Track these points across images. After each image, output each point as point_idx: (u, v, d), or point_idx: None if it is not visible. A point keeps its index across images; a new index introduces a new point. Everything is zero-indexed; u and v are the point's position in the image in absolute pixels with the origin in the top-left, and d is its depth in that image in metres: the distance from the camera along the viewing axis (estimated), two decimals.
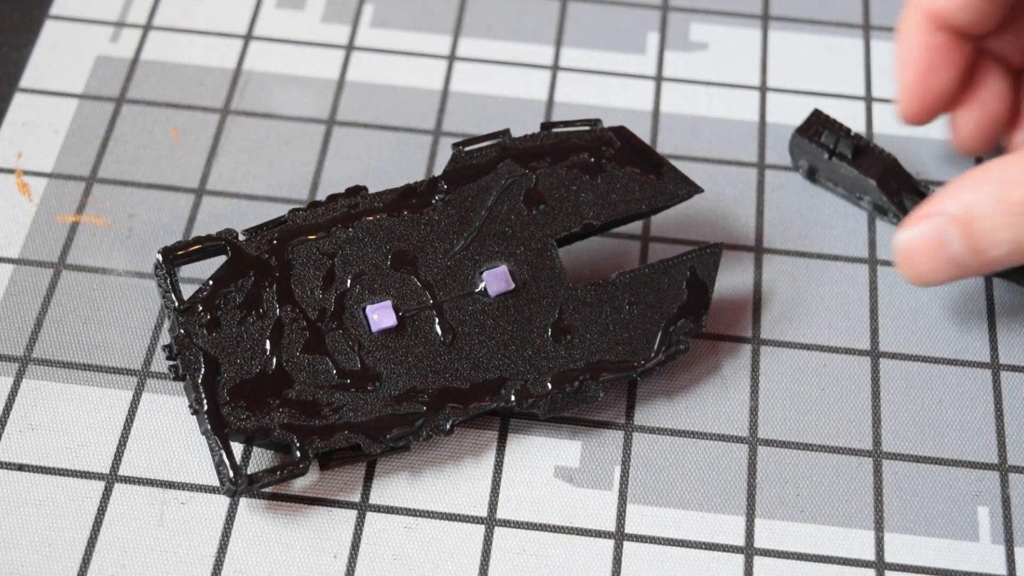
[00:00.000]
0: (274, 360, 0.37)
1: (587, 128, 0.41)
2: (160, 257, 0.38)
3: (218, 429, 0.36)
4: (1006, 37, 0.42)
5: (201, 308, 0.37)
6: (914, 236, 0.37)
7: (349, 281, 0.38)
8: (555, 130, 0.41)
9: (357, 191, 0.39)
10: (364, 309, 0.38)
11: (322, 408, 0.37)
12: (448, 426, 0.37)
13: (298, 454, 0.36)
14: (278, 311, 0.38)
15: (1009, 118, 0.43)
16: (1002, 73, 0.42)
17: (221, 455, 0.36)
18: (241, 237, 0.39)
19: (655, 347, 0.39)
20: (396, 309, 0.38)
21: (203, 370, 0.36)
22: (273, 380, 0.37)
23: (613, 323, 0.39)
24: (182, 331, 0.37)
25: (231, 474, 0.36)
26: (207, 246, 0.38)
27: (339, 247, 0.39)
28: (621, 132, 0.41)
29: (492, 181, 0.40)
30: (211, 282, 0.38)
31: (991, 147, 0.43)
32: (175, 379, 0.37)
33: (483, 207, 0.40)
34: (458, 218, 0.39)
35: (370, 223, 0.39)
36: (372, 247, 0.39)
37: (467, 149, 0.40)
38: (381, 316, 0.38)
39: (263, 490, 0.38)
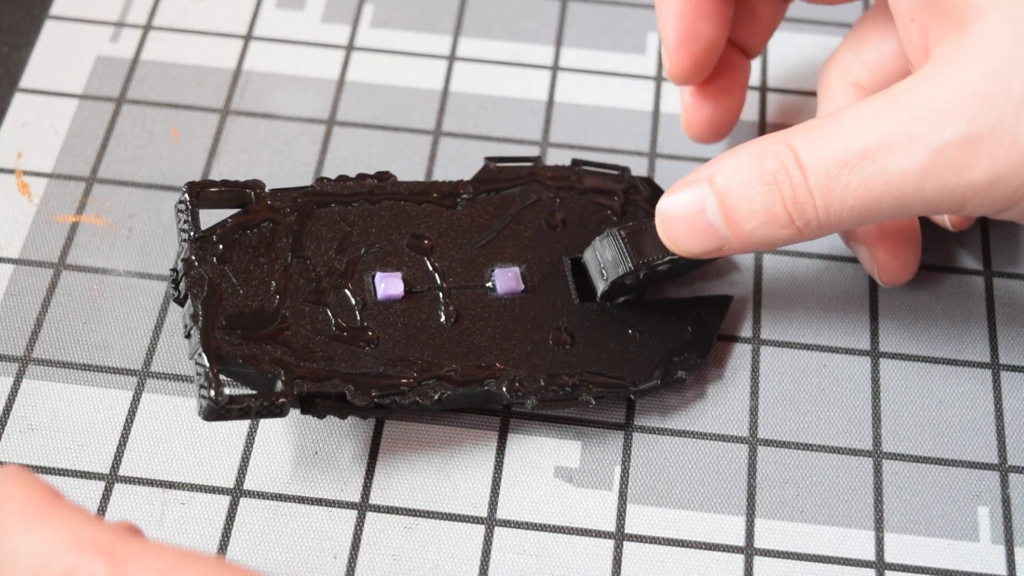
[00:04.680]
0: (276, 299, 0.37)
1: (616, 172, 0.42)
2: (186, 191, 0.38)
3: (208, 348, 0.35)
4: (742, 19, 0.42)
5: (215, 239, 0.37)
6: (673, 201, 0.36)
7: (363, 250, 0.38)
8: (584, 168, 0.42)
9: (386, 176, 0.40)
10: (373, 276, 0.38)
11: (315, 353, 0.36)
12: (436, 396, 0.37)
13: (281, 386, 0.35)
14: (290, 258, 0.38)
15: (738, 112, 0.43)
16: (740, 63, 0.43)
17: (206, 371, 0.35)
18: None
19: (652, 372, 0.39)
20: (404, 283, 0.38)
21: (206, 293, 0.36)
22: (272, 318, 0.37)
23: (615, 343, 0.39)
24: (193, 256, 0.37)
25: (212, 393, 0.34)
26: (234, 189, 0.38)
27: (360, 219, 0.39)
28: (649, 183, 0.42)
29: (517, 196, 0.40)
30: (230, 220, 0.38)
31: (723, 136, 0.44)
32: (176, 301, 0.37)
33: (506, 215, 0.40)
34: (479, 220, 0.40)
35: (394, 205, 0.39)
36: (392, 226, 0.39)
37: (498, 165, 0.41)
38: (388, 285, 0.38)
39: (263, 489, 0.38)
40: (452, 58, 0.48)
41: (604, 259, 0.39)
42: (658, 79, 0.48)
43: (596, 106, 0.47)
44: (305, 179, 0.44)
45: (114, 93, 0.46)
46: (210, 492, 0.38)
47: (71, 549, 0.27)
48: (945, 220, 0.41)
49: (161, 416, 0.39)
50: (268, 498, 0.38)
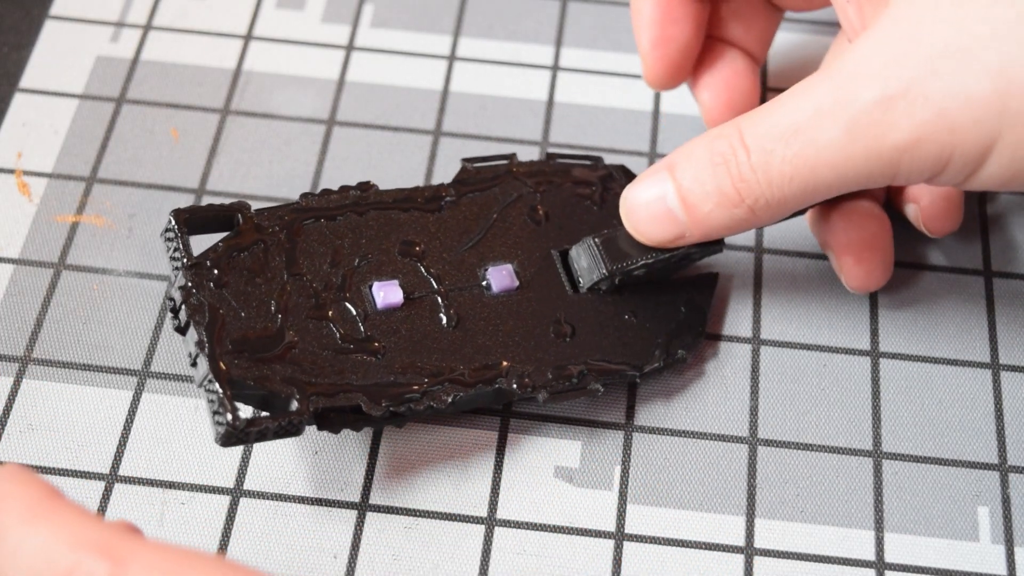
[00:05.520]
0: (279, 319, 0.37)
1: (590, 162, 0.42)
2: (173, 218, 0.38)
3: (219, 374, 0.35)
4: (738, 25, 0.43)
5: (209, 264, 0.37)
6: (637, 190, 0.37)
7: (357, 261, 0.38)
8: (559, 160, 0.42)
9: (368, 186, 0.40)
10: (371, 286, 0.38)
11: (324, 369, 0.36)
12: (449, 399, 0.36)
13: (296, 405, 0.35)
14: (285, 277, 0.38)
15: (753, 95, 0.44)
16: (741, 54, 0.43)
17: (219, 396, 0.34)
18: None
19: (654, 354, 0.39)
20: (402, 290, 0.38)
21: (208, 319, 0.36)
22: (277, 338, 0.36)
23: (614, 329, 0.39)
24: (189, 283, 0.37)
25: (229, 416, 0.34)
26: (220, 214, 0.38)
27: (349, 231, 0.39)
28: (623, 170, 0.42)
29: (499, 194, 0.40)
30: (221, 244, 0.38)
31: None
32: (177, 331, 0.37)
33: (490, 214, 0.40)
34: (465, 221, 0.40)
35: (380, 215, 0.39)
36: (381, 236, 0.39)
37: (475, 166, 0.41)
38: (388, 293, 0.38)
39: (263, 489, 0.38)
40: (452, 58, 0.48)
41: (580, 266, 0.39)
42: None
43: (596, 106, 0.47)
44: (305, 179, 0.44)
45: (114, 93, 0.46)
46: (210, 492, 0.38)
47: (72, 548, 0.27)
48: (920, 223, 0.41)
49: (161, 416, 0.39)
50: (268, 498, 0.38)
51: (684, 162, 0.36)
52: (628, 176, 0.42)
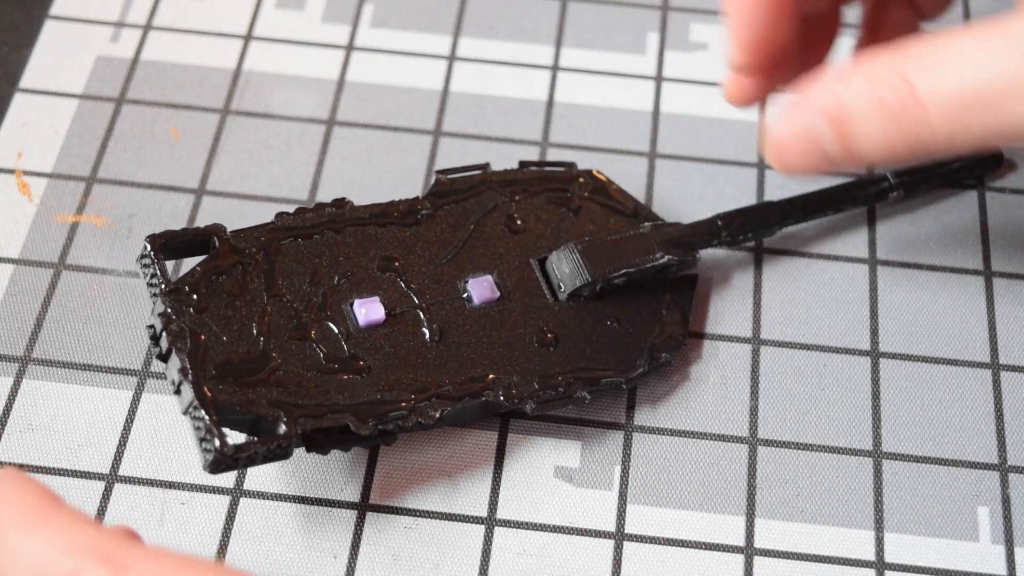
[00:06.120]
0: (261, 341, 0.37)
1: (563, 169, 0.42)
2: (148, 244, 0.38)
3: (204, 400, 0.35)
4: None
5: (188, 289, 0.37)
6: (787, 131, 0.35)
7: (336, 279, 0.38)
8: (532, 168, 0.42)
9: (343, 203, 0.40)
10: (352, 304, 0.38)
11: (310, 390, 0.36)
12: (437, 415, 0.36)
13: (284, 428, 0.35)
14: (266, 299, 0.37)
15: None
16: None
17: (206, 423, 0.34)
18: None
19: (638, 360, 0.39)
20: (383, 306, 0.38)
21: (189, 345, 0.36)
22: (260, 361, 0.36)
23: (597, 336, 0.39)
24: (169, 310, 0.36)
25: (217, 442, 0.34)
26: (196, 237, 0.38)
27: (327, 249, 0.39)
28: (591, 175, 0.42)
29: (474, 205, 0.40)
30: (199, 268, 0.37)
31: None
32: (159, 358, 0.37)
33: (467, 225, 0.40)
34: (442, 234, 0.40)
35: (357, 231, 0.39)
36: (359, 252, 0.39)
37: (449, 177, 0.41)
38: (369, 310, 0.38)
39: (263, 489, 0.38)
40: (452, 58, 0.48)
41: (561, 272, 0.39)
42: (657, 79, 0.48)
43: (596, 106, 0.47)
44: (305, 179, 0.44)
45: (114, 93, 0.46)
46: (210, 492, 0.38)
47: (71, 554, 0.27)
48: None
49: (161, 416, 0.39)
50: (268, 498, 0.38)
51: (845, 108, 0.34)
52: (595, 180, 0.42)
